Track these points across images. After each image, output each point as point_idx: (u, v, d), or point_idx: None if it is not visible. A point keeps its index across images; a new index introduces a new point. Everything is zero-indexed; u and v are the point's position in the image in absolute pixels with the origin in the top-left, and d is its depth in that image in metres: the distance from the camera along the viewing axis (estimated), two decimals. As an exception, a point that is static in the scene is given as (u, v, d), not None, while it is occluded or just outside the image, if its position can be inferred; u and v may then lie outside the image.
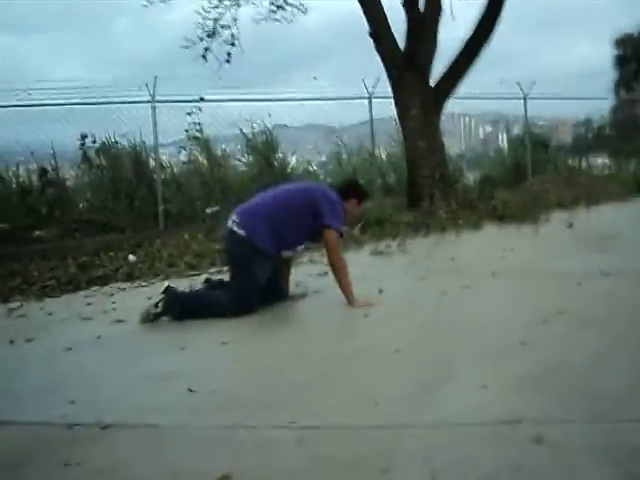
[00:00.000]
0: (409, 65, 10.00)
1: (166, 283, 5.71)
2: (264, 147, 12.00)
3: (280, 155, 12.56)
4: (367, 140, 12.85)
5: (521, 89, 13.89)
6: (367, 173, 12.73)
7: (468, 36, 10.52)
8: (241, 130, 11.87)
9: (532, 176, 13.52)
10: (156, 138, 10.38)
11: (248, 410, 3.05)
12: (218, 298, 5.14)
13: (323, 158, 15.27)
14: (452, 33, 11.36)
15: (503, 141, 19.60)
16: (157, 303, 5.01)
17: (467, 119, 22.04)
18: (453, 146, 19.33)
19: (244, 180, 11.73)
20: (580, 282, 5.41)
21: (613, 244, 7.27)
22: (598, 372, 3.30)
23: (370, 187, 11.83)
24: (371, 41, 10.30)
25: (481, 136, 23.91)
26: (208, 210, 10.27)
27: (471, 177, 14.85)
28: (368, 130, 12.53)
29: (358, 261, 5.65)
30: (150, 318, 4.97)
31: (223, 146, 12.57)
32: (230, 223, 5.15)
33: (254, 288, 5.06)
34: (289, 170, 12.59)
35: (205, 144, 11.61)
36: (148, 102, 10.14)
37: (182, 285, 5.80)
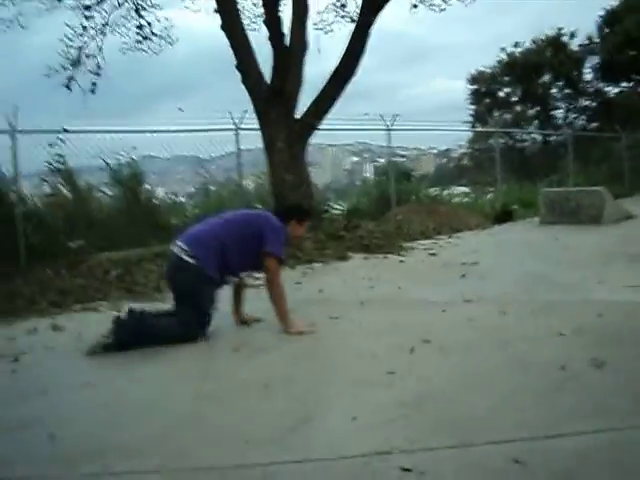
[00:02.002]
0: (275, 98, 10.08)
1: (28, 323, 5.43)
2: (129, 179, 11.70)
3: (147, 187, 12.31)
4: (235, 171, 12.81)
5: (384, 121, 14.29)
6: (234, 205, 12.67)
7: (333, 71, 10.76)
8: (105, 162, 11.53)
9: (396, 206, 13.88)
10: (16, 170, 9.90)
11: (116, 456, 2.93)
12: (166, 326, 5.05)
13: (192, 189, 15.09)
14: (319, 67, 11.61)
15: (369, 172, 20.15)
16: (107, 335, 4.87)
17: (333, 150, 22.49)
18: (320, 177, 19.66)
19: (109, 213, 11.39)
20: (444, 309, 5.60)
21: (473, 271, 7.57)
22: (462, 398, 3.42)
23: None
24: (238, 74, 10.30)
25: (347, 167, 24.44)
26: (72, 244, 9.87)
27: (339, 208, 15.07)
28: (236, 161, 12.49)
29: (227, 296, 5.57)
30: (98, 349, 4.83)
31: (88, 178, 12.14)
32: (177, 250, 5.11)
33: (204, 315, 5.06)
34: (155, 202, 12.35)
35: (68, 176, 11.18)
36: (7, 132, 9.69)
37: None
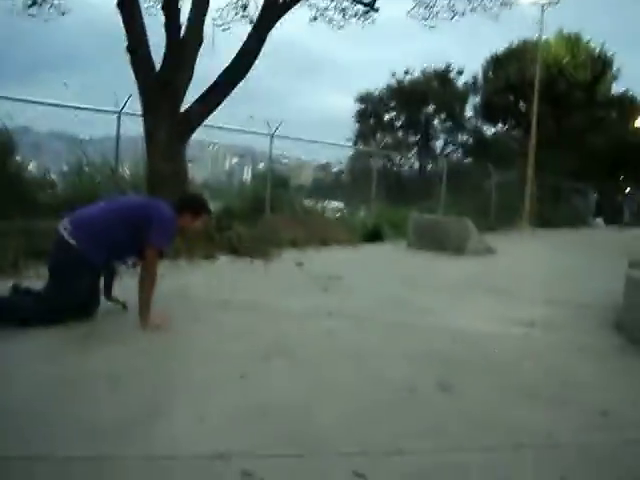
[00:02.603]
0: (162, 88, 9.85)
1: None
2: (0, 149, 11.08)
3: (18, 158, 11.71)
4: (112, 156, 12.42)
5: (269, 127, 14.31)
6: (107, 190, 12.27)
7: (224, 69, 10.64)
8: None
9: (271, 212, 13.90)
10: None
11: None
12: (26, 304, 4.82)
13: (65, 168, 14.45)
14: (211, 63, 11.44)
15: (248, 174, 20.08)
16: None
17: (215, 148, 22.26)
18: (198, 174, 19.40)
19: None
20: (303, 320, 5.65)
21: (337, 286, 7.67)
22: (310, 408, 3.46)
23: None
24: (128, 56, 10.00)
25: (227, 167, 24.26)
26: None
27: (213, 206, 14.88)
28: (114, 146, 12.11)
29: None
30: None
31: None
32: (62, 229, 4.91)
33: (71, 299, 4.84)
34: (25, 175, 11.78)
35: None
36: None
37: None
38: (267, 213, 13.82)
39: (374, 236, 14.26)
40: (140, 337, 4.73)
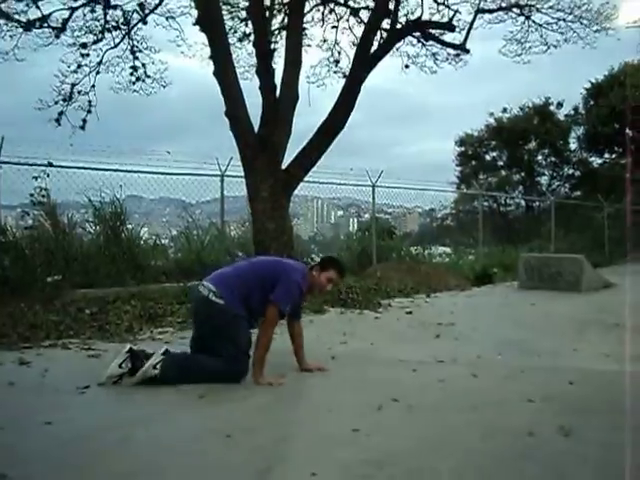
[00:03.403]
0: (262, 148, 10.11)
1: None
2: (112, 217, 11.64)
3: (129, 226, 12.27)
4: (218, 217, 12.81)
5: (369, 177, 14.41)
6: (215, 250, 12.63)
7: (321, 124, 10.86)
8: (89, 199, 11.49)
9: (377, 262, 13.91)
10: (-2, 200, 9.90)
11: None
12: (215, 363, 5.08)
13: (174, 232, 15.00)
14: (308, 119, 11.70)
15: (353, 226, 20.21)
16: (156, 364, 4.93)
17: (319, 202, 22.58)
18: (305, 229, 19.72)
19: (89, 250, 11.30)
20: (415, 369, 5.58)
21: (449, 332, 7.56)
22: (426, 460, 3.38)
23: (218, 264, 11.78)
24: (227, 120, 10.36)
25: (332, 220, 24.52)
26: (49, 279, 9.77)
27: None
28: (219, 207, 12.50)
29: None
30: (143, 379, 4.90)
31: (71, 214, 12.08)
32: (204, 291, 5.19)
33: (242, 351, 5.08)
34: (138, 242, 12.31)
35: (51, 210, 11.12)
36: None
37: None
38: (374, 263, 13.84)
39: (484, 279, 13.99)
40: (251, 393, 4.78)
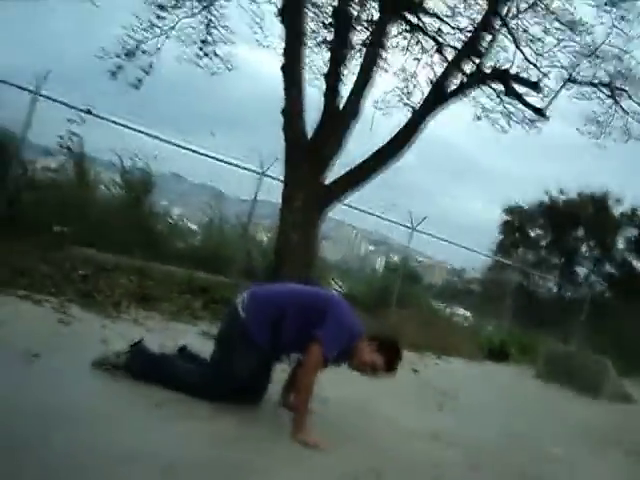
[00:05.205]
0: (309, 155, 9.56)
1: None
2: (140, 185, 11.08)
3: (159, 201, 11.73)
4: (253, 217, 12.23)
5: (411, 219, 13.79)
6: (234, 249, 11.99)
7: (377, 150, 10.22)
8: (121, 159, 10.93)
9: (396, 306, 13.21)
10: (25, 132, 9.34)
11: None
12: (187, 372, 4.44)
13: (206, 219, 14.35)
14: (363, 144, 11.10)
15: (381, 264, 19.55)
16: (120, 353, 4.40)
17: (353, 231, 21.98)
18: (332, 252, 19.06)
19: (107, 211, 10.71)
20: (410, 444, 4.83)
21: (452, 405, 6.82)
22: None
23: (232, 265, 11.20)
24: (281, 119, 9.81)
25: (362, 252, 23.91)
26: (55, 228, 9.21)
27: (338, 287, 14.27)
28: (258, 206, 11.94)
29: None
30: (106, 366, 4.35)
31: (98, 170, 11.51)
32: (238, 299, 4.51)
33: (231, 377, 4.35)
34: (162, 218, 11.77)
35: (79, 159, 10.56)
36: (29, 91, 9.18)
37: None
38: (392, 306, 13.13)
39: (499, 355, 13.20)
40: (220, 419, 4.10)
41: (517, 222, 28.46)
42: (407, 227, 14.09)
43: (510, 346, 14.05)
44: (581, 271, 28.09)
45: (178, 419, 3.87)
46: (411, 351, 10.16)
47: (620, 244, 27.73)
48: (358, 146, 10.77)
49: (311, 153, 9.59)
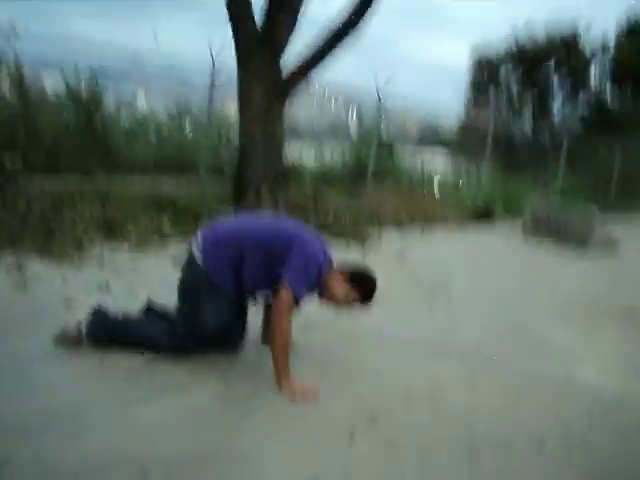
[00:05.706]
0: (261, 43, 8.77)
1: None
2: (88, 98, 10.08)
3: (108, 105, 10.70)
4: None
5: (378, 94, 13.23)
6: (199, 147, 11.19)
7: (334, 26, 9.21)
8: (62, 70, 9.96)
9: (372, 179, 12.77)
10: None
11: None
12: (153, 330, 4.11)
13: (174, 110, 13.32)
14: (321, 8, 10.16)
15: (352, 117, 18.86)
16: (81, 323, 4.08)
17: (324, 91, 21.21)
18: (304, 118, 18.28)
19: (58, 130, 9.69)
20: (399, 360, 4.58)
21: (443, 298, 6.59)
22: None
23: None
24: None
25: (332, 109, 23.18)
26: (7, 163, 8.35)
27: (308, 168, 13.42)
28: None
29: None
30: (68, 342, 4.04)
31: (42, 86, 10.52)
32: (194, 245, 4.03)
33: (198, 327, 3.98)
34: (117, 125, 11.00)
35: (18, 76, 9.53)
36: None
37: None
38: (368, 181, 12.68)
39: (485, 214, 13.01)
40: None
41: (485, 61, 27.68)
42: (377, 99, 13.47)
43: (493, 203, 13.82)
44: (555, 107, 27.55)
45: (151, 395, 3.55)
46: (394, 230, 9.96)
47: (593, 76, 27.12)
48: (313, 13, 9.78)
49: (262, 40, 8.80)
